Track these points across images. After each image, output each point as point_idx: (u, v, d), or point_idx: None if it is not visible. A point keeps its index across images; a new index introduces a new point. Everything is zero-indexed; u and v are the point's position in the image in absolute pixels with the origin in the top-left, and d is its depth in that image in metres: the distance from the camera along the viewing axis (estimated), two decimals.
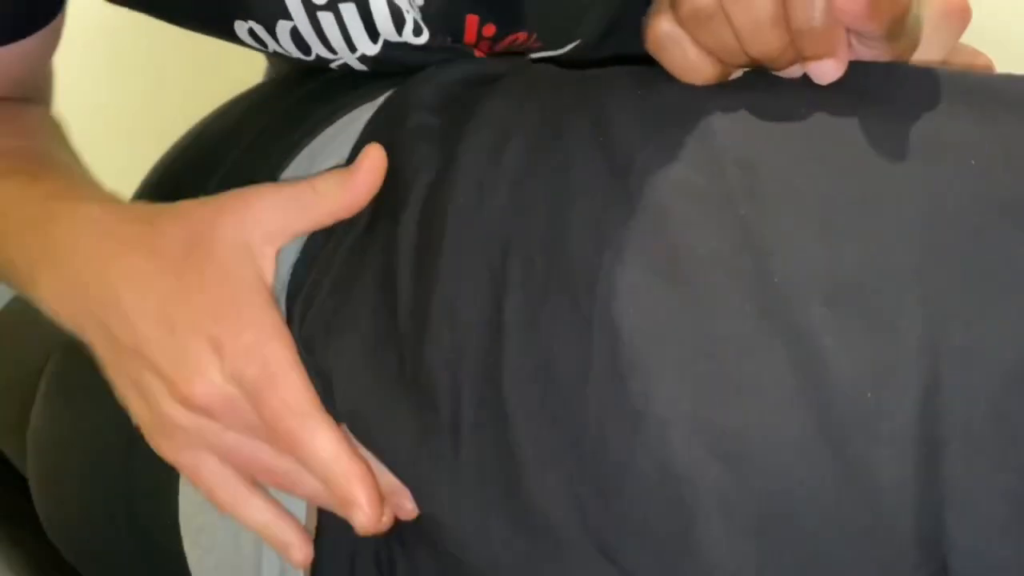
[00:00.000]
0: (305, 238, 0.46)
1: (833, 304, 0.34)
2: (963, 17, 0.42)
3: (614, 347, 0.36)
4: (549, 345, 0.37)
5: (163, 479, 0.48)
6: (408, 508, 0.41)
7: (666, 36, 0.40)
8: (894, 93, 0.39)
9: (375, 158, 0.44)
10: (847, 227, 0.36)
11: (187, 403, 0.42)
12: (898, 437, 0.33)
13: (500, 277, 0.39)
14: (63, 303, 0.45)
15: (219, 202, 0.44)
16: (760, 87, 0.41)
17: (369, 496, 0.40)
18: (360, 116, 0.51)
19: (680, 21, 0.39)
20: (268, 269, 0.43)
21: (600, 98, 0.43)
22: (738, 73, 0.42)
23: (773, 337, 0.35)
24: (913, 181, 0.36)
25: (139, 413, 0.44)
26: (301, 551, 0.43)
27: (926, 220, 0.35)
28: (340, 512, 0.42)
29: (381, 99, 0.51)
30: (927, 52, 0.41)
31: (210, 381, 0.41)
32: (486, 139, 0.43)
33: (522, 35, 0.56)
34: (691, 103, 0.41)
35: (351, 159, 0.47)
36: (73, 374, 0.56)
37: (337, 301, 0.43)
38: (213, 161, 0.55)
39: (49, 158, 0.51)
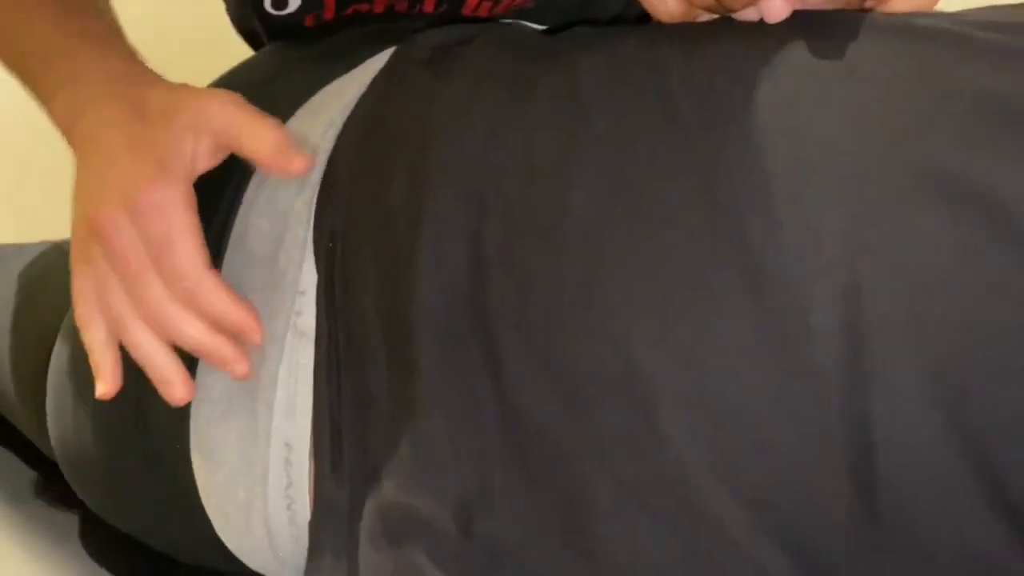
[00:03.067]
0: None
1: (769, 212, 0.39)
2: None
3: (581, 271, 0.41)
4: (526, 271, 0.43)
5: (175, 407, 0.52)
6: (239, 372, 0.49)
7: None
8: (829, 30, 0.43)
9: (303, 160, 0.51)
10: (779, 144, 0.40)
11: (94, 224, 0.49)
12: (826, 328, 0.37)
13: (479, 210, 0.45)
14: (66, 124, 0.54)
15: (196, 92, 0.52)
16: (710, 34, 0.46)
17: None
18: (360, 77, 0.56)
19: None
20: (194, 153, 0.51)
21: (571, 50, 0.49)
22: (705, 16, 0.48)
23: (721, 248, 0.39)
24: (838, 98, 0.41)
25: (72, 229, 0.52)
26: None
27: (850, 132, 0.39)
28: (220, 357, 0.50)
29: (383, 56, 0.56)
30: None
31: (113, 214, 0.49)
32: (465, 85, 0.49)
33: None
34: (648, 53, 0.46)
35: (354, 114, 0.54)
36: None
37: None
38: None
39: None
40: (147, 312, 0.50)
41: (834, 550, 0.37)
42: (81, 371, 0.58)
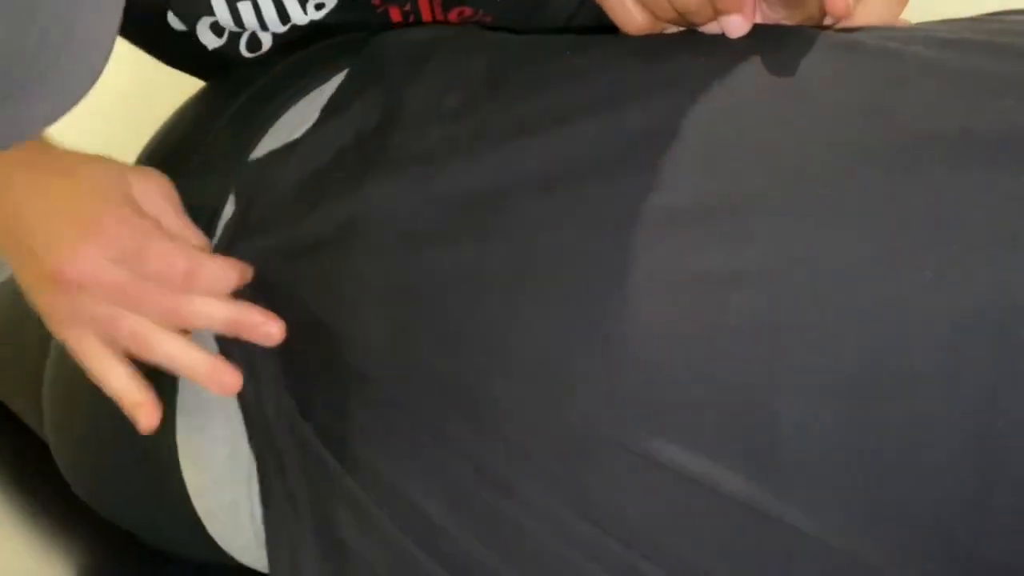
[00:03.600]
0: None
1: (709, 223, 0.41)
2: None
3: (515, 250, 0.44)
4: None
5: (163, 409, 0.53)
6: (273, 332, 0.49)
7: None
8: (784, 47, 0.46)
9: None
10: (723, 160, 0.43)
11: (59, 279, 0.49)
12: (744, 328, 0.40)
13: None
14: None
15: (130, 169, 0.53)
16: (671, 48, 0.48)
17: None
18: (325, 90, 0.56)
19: None
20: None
21: (534, 59, 0.51)
22: (671, 28, 0.50)
23: (643, 248, 0.42)
24: (783, 116, 0.43)
25: (37, 303, 0.52)
26: (148, 415, 0.50)
27: (791, 151, 0.42)
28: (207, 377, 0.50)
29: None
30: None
31: (81, 258, 0.49)
32: (429, 89, 0.51)
33: (467, 10, 0.60)
34: (611, 64, 0.49)
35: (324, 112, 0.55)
36: None
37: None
38: (194, 140, 0.60)
39: None
40: (163, 319, 0.50)
41: None
42: (73, 365, 0.60)
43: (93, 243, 0.49)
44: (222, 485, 0.53)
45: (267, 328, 0.49)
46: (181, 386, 0.53)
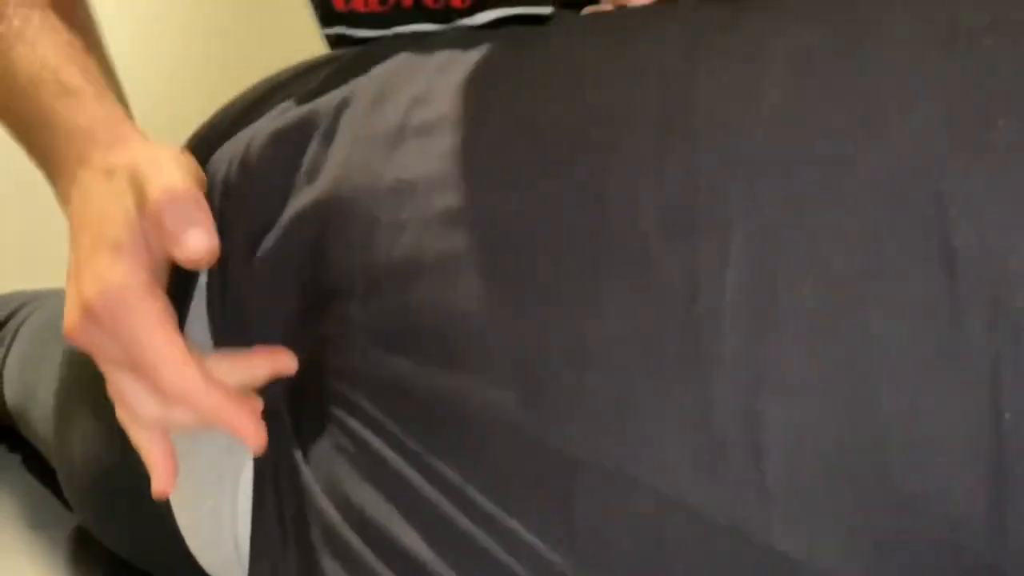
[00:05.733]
0: None
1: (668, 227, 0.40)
2: None
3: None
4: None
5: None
6: (289, 365, 0.47)
7: None
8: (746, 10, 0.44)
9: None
10: (680, 157, 0.41)
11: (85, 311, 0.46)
12: (733, 323, 0.38)
13: None
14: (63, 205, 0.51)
15: (143, 159, 0.48)
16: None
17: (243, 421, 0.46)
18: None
19: None
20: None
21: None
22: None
23: (615, 252, 0.40)
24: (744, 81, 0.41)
25: None
26: (160, 481, 0.47)
27: (738, 154, 0.40)
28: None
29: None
30: None
31: (78, 321, 0.46)
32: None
33: None
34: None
35: None
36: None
37: None
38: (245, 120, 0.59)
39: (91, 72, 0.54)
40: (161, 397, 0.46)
41: None
42: (76, 390, 0.61)
43: (87, 312, 0.46)
44: (204, 492, 0.53)
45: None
46: None
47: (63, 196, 0.51)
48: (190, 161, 0.50)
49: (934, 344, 0.35)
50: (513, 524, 0.40)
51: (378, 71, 0.52)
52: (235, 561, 0.53)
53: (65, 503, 0.71)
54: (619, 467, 0.38)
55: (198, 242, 0.45)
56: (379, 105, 0.49)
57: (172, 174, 0.47)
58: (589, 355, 0.39)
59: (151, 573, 0.63)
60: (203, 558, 0.54)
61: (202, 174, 0.51)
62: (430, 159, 0.45)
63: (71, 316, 0.46)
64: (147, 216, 0.46)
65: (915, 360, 0.35)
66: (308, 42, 0.68)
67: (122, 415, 0.48)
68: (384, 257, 0.45)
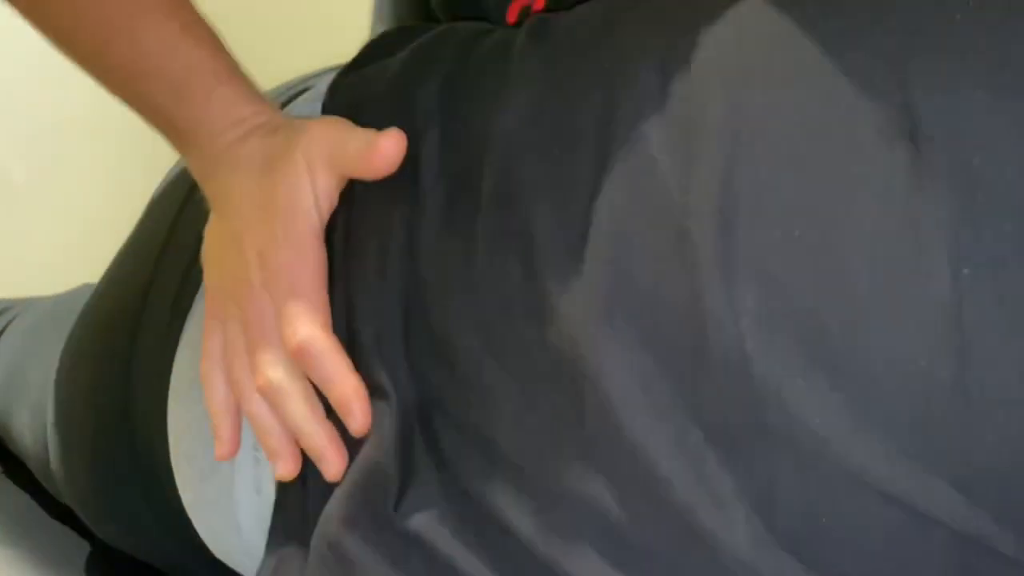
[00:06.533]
0: None
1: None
2: None
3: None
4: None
5: (155, 401, 0.53)
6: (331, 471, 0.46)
7: None
8: None
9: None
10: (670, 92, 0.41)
11: (233, 289, 0.49)
12: (704, 211, 0.38)
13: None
14: (200, 176, 0.53)
15: (301, 127, 0.50)
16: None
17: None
18: None
19: None
20: (315, 195, 0.49)
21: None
22: None
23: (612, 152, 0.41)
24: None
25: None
26: (222, 444, 0.50)
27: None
28: (315, 446, 0.47)
29: None
30: None
31: (250, 281, 0.49)
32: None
33: None
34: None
35: None
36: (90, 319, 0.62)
37: None
38: None
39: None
40: (260, 381, 0.48)
41: None
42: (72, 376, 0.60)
43: (259, 274, 0.49)
44: (214, 469, 0.52)
45: (328, 467, 0.47)
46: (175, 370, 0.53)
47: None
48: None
49: (900, 212, 0.35)
50: None
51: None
52: (242, 551, 0.52)
53: (50, 512, 0.70)
54: None
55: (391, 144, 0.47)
56: None
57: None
58: None
59: (150, 564, 0.62)
60: (209, 538, 0.54)
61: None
62: None
63: (242, 272, 0.49)
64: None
65: (881, 228, 0.35)
66: (308, 41, 0.67)
67: (217, 377, 0.50)
68: None
